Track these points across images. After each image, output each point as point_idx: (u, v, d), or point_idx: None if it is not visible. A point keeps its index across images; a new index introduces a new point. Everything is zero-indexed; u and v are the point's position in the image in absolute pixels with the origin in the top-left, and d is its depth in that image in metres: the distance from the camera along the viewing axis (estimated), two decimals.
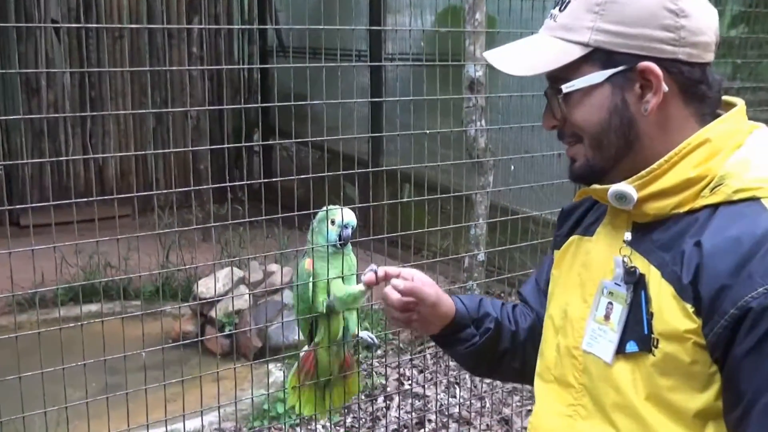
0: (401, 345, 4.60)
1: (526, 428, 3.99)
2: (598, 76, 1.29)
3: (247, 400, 3.28)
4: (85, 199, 2.40)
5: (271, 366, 4.34)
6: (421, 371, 4.47)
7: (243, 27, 8.89)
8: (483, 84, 4.42)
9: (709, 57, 1.31)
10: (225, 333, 4.71)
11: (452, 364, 4.16)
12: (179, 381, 2.60)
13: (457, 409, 3.93)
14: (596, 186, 1.37)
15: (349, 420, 4.01)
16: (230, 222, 2.81)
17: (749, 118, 1.39)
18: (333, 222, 2.51)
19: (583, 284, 1.44)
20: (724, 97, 1.41)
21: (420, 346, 4.62)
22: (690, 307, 1.23)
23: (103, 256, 5.55)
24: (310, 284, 2.58)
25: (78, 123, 8.04)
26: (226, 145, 4.82)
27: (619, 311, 1.34)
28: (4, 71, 7.73)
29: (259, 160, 8.68)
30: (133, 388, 2.53)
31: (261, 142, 7.99)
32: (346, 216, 2.52)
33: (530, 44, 1.37)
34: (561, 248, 1.53)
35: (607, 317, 1.37)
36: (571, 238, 1.51)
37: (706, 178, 1.28)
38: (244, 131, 7.66)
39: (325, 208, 2.55)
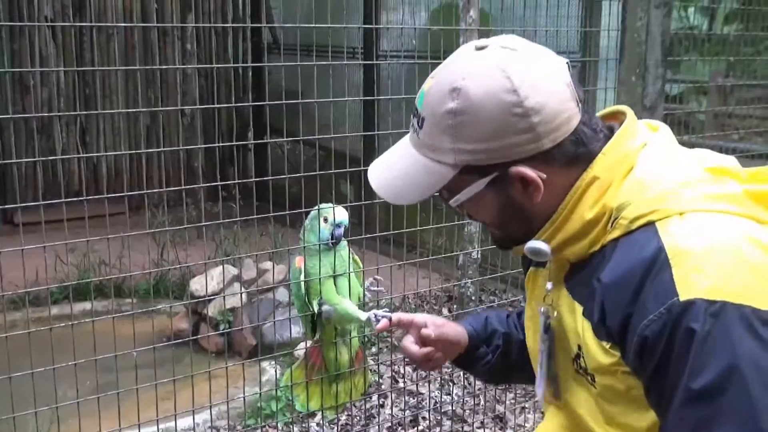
0: (395, 343, 4.59)
1: (520, 425, 3.99)
2: (476, 186, 1.31)
3: (240, 398, 3.27)
4: (78, 198, 2.40)
5: (264, 364, 4.33)
6: (415, 369, 4.46)
7: (237, 25, 8.87)
8: None
9: (575, 121, 1.28)
10: (219, 331, 4.70)
11: None
12: (172, 380, 2.60)
13: (451, 407, 3.92)
14: (516, 248, 1.43)
15: (343, 418, 4.01)
16: (224, 221, 2.80)
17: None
18: (325, 220, 2.51)
19: (534, 318, 1.50)
20: (612, 108, 1.42)
21: None
22: (606, 344, 1.28)
23: (97, 254, 5.54)
24: (302, 283, 2.58)
25: (72, 121, 8.01)
26: (219, 144, 4.80)
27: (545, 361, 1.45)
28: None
29: (252, 157, 8.66)
30: (126, 387, 2.52)
31: (254, 141, 7.97)
32: (339, 214, 2.51)
33: (406, 164, 1.36)
34: (528, 272, 1.57)
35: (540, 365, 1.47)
36: (531, 269, 1.55)
37: (605, 214, 1.29)
38: (235, 129, 7.64)
39: (317, 206, 2.54)
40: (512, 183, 1.29)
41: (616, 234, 1.28)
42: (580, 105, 1.29)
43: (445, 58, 1.40)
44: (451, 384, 4.15)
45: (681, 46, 4.45)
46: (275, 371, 4.34)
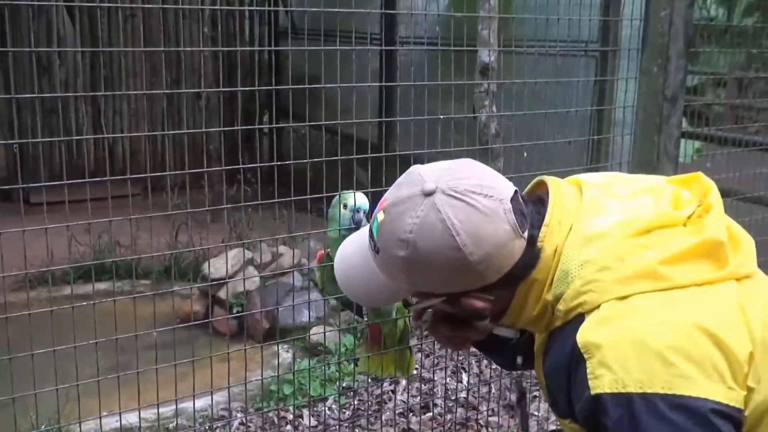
0: None
1: (531, 414, 3.99)
2: (431, 301, 1.43)
3: (256, 381, 3.29)
4: (99, 179, 2.41)
5: (279, 347, 4.35)
6: (427, 356, 4.48)
7: (255, 9, 8.85)
8: (495, 69, 4.39)
9: (518, 252, 1.34)
10: (234, 314, 4.72)
11: None
12: (190, 360, 2.62)
13: (462, 394, 3.94)
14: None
15: (355, 402, 4.03)
16: (241, 204, 2.82)
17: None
18: (345, 206, 2.51)
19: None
20: (538, 180, 1.49)
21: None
22: (565, 420, 1.39)
23: (111, 235, 5.56)
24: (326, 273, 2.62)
25: (89, 102, 8.04)
26: (237, 128, 4.78)
27: None
28: (16, 49, 7.72)
29: (270, 141, 8.66)
30: (143, 366, 2.55)
31: (271, 125, 7.98)
32: (359, 200, 2.51)
33: (368, 272, 1.46)
34: None
35: None
36: None
37: (547, 307, 1.38)
38: (258, 113, 7.64)
39: (338, 193, 2.55)
40: (465, 300, 1.39)
41: (558, 323, 1.37)
42: (524, 230, 1.34)
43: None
44: (462, 372, 4.17)
45: (701, 37, 4.41)
46: (292, 355, 4.37)
